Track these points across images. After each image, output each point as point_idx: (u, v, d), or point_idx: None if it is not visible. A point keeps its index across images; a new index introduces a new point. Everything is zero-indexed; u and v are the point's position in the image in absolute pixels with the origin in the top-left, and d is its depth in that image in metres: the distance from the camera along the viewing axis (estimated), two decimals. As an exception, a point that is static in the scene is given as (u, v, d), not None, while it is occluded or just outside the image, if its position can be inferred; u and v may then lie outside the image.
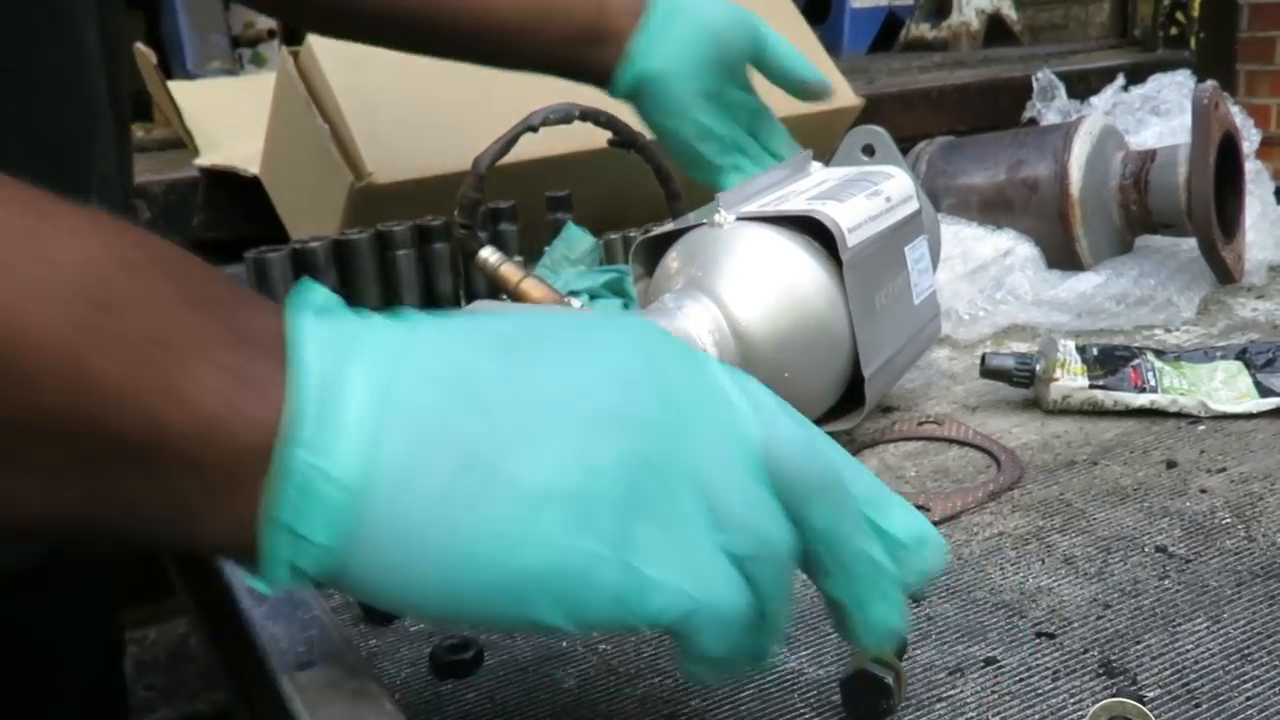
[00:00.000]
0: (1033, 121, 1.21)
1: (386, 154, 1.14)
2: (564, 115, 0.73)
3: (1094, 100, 1.21)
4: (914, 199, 0.78)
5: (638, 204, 1.34)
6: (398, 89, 1.19)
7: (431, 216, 1.00)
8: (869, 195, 0.72)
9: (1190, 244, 0.97)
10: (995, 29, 2.81)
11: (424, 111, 1.20)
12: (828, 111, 1.50)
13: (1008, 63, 2.46)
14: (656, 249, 0.73)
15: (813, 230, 0.68)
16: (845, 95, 1.52)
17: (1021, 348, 0.90)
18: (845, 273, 0.66)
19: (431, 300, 0.99)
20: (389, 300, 0.96)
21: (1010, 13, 2.80)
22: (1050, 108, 1.19)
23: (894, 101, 2.07)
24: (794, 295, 0.67)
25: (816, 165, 0.83)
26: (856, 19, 3.01)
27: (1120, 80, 1.23)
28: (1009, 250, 1.00)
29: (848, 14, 3.02)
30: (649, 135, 0.85)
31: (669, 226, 0.72)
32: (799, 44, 1.53)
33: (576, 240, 1.01)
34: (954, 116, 2.15)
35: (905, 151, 1.04)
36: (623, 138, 0.78)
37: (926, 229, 0.80)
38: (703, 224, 0.70)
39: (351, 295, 0.94)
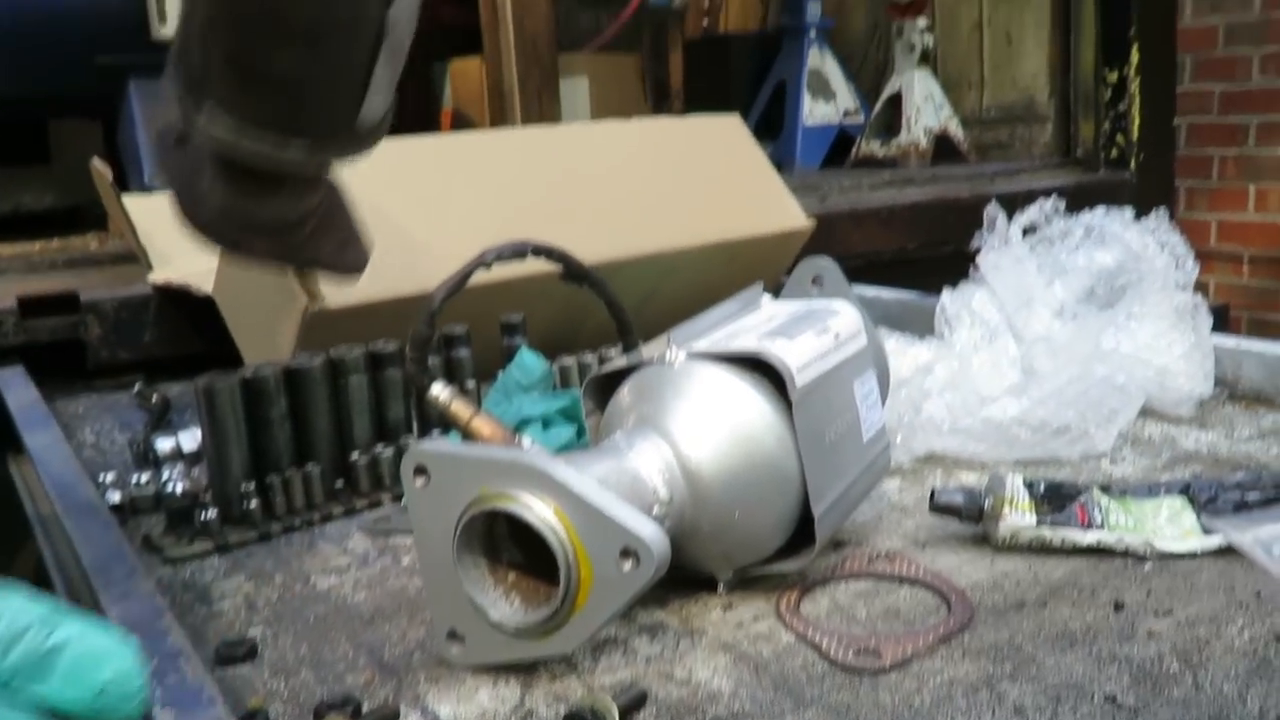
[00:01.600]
0: (979, 251, 1.23)
1: (340, 277, 1.14)
2: (517, 252, 0.74)
3: (1010, 231, 1.22)
4: (862, 334, 0.79)
5: (590, 326, 1.35)
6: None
7: (384, 342, 1.00)
8: (818, 333, 0.73)
9: (1120, 378, 0.98)
10: (943, 147, 2.89)
11: (377, 236, 1.20)
12: (780, 234, 1.53)
13: (955, 181, 2.53)
14: (609, 384, 0.73)
15: (763, 368, 0.69)
16: (797, 217, 1.55)
17: (970, 479, 0.90)
18: (795, 412, 0.67)
19: (383, 427, 0.98)
20: (340, 427, 0.96)
21: (957, 132, 2.88)
22: (995, 236, 1.22)
23: (845, 220, 2.11)
24: (744, 434, 0.67)
25: (767, 298, 0.84)
26: (809, 136, 3.09)
27: (1051, 202, 1.26)
28: (928, 367, 1.02)
29: (800, 131, 3.10)
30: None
31: (621, 363, 0.72)
32: (750, 167, 1.57)
33: (530, 366, 1.01)
34: (904, 234, 2.20)
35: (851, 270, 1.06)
36: (574, 273, 0.79)
37: (875, 363, 0.81)
38: (654, 361, 0.70)
39: (303, 422, 0.93)
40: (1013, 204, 2.36)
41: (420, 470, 0.62)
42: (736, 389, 0.68)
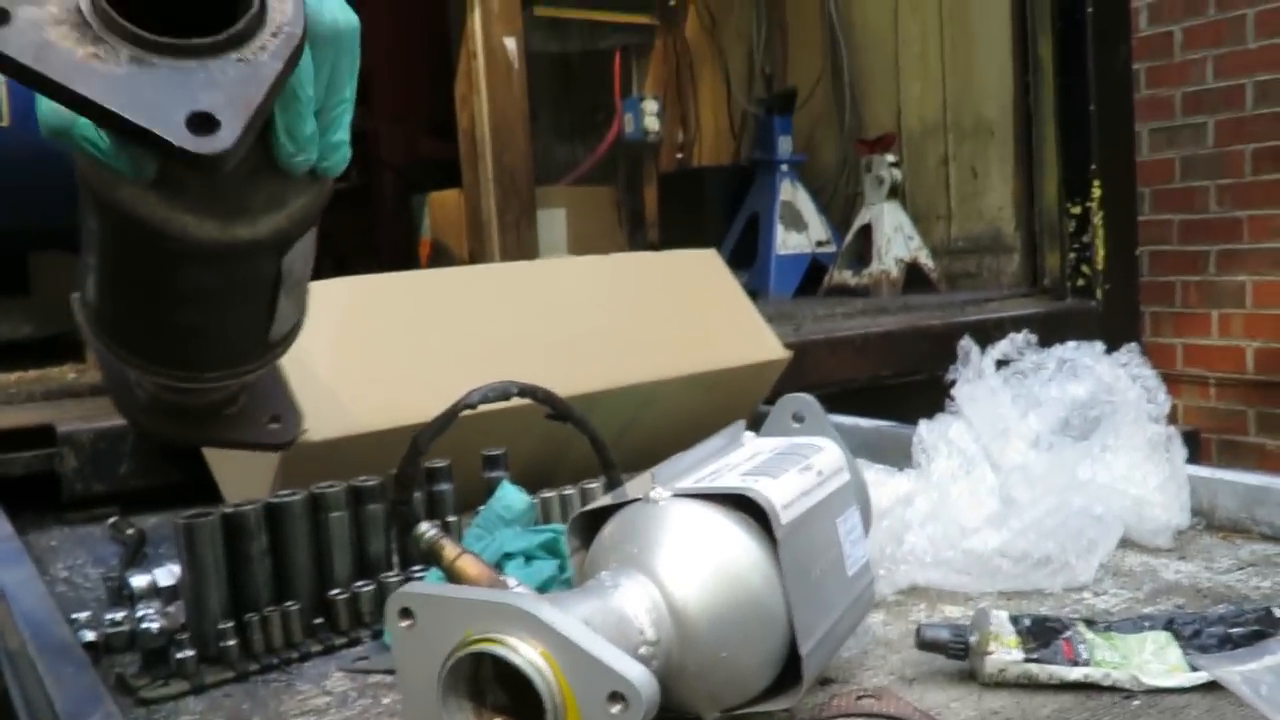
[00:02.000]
0: (953, 383, 1.25)
1: (320, 412, 1.15)
2: (502, 393, 0.75)
3: (984, 363, 1.24)
4: (845, 470, 0.80)
5: (572, 457, 1.36)
6: (331, 349, 1.21)
7: (366, 477, 0.99)
8: (801, 470, 0.74)
9: (1098, 508, 0.99)
10: (914, 276, 2.95)
11: (358, 370, 1.21)
12: (757, 364, 1.55)
13: (927, 310, 2.58)
14: (593, 521, 0.73)
15: (748, 505, 0.69)
16: (773, 349, 1.57)
17: (954, 613, 0.90)
18: (780, 550, 0.67)
19: (364, 562, 0.97)
20: (320, 563, 0.95)
21: (927, 261, 2.94)
22: (969, 369, 1.24)
23: (821, 348, 2.14)
24: (730, 573, 0.67)
25: (749, 435, 0.85)
26: (782, 265, 3.15)
27: (1023, 336, 1.28)
28: (909, 498, 1.02)
29: (773, 260, 3.16)
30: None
31: (605, 501, 0.73)
32: (727, 299, 1.60)
33: (512, 501, 1.01)
34: (878, 362, 2.23)
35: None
36: (559, 413, 0.80)
37: (857, 498, 0.82)
38: (638, 500, 0.71)
39: (283, 559, 0.93)
40: (984, 332, 2.41)
41: (406, 612, 0.61)
42: (721, 527, 0.68)
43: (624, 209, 4.17)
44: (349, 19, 0.59)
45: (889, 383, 2.24)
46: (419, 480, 1.02)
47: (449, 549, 0.68)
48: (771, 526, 0.68)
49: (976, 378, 1.20)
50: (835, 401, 2.11)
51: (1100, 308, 2.56)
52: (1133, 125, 2.66)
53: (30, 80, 0.47)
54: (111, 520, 1.37)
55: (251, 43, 0.50)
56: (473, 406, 0.74)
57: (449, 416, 0.73)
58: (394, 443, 1.20)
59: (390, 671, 0.85)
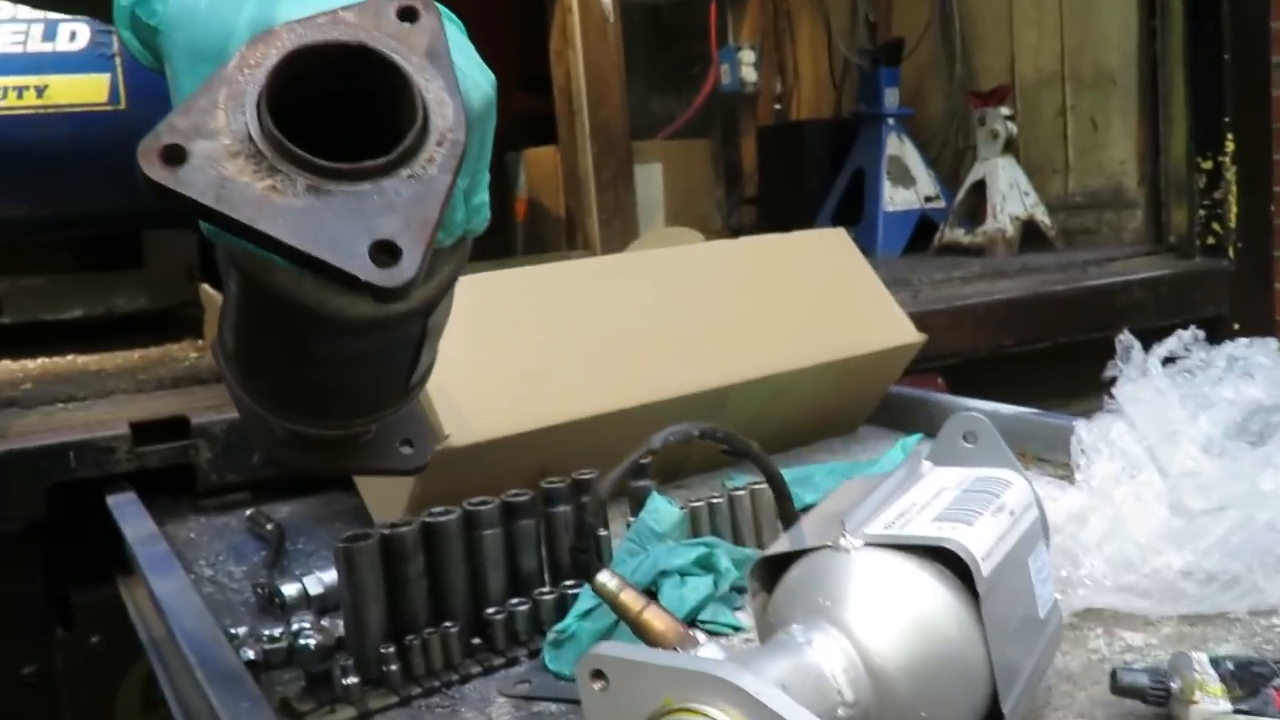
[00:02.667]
0: (1113, 381, 1.20)
1: (458, 416, 1.14)
2: (683, 437, 0.72)
3: (1149, 362, 1.18)
4: (1033, 506, 0.76)
5: (701, 446, 1.33)
6: (464, 351, 1.19)
7: (516, 491, 0.98)
8: (994, 512, 0.70)
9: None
10: (1030, 233, 2.86)
11: (491, 371, 1.20)
12: (890, 350, 1.50)
13: (1046, 271, 2.50)
14: (775, 566, 0.71)
15: (941, 552, 0.66)
16: (906, 332, 1.52)
17: (1134, 640, 0.86)
18: (982, 604, 0.64)
19: (516, 580, 0.96)
20: (475, 582, 0.94)
21: (1044, 219, 2.85)
22: (1131, 367, 1.18)
23: (941, 317, 2.09)
24: (928, 628, 0.64)
25: (927, 464, 0.81)
26: (890, 223, 3.07)
27: (1190, 332, 1.21)
28: (1082, 516, 0.98)
29: (881, 217, 3.08)
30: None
31: (789, 546, 0.70)
32: (856, 281, 1.55)
33: (663, 513, 0.99)
34: (1000, 331, 2.17)
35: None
36: (738, 450, 0.77)
37: (1043, 532, 0.78)
38: (826, 547, 0.68)
39: (439, 579, 0.92)
40: (1109, 296, 2.33)
41: (598, 674, 0.59)
42: (917, 579, 0.65)
43: (721, 163, 4.11)
44: (490, 85, 0.57)
45: (1011, 352, 2.18)
46: (566, 491, 1.00)
47: (633, 602, 0.66)
48: (972, 578, 0.64)
49: (1140, 376, 1.15)
50: (958, 374, 2.07)
51: (1232, 267, 2.45)
52: (1269, 75, 2.52)
53: (210, 218, 0.46)
54: (249, 513, 1.38)
55: (420, 155, 0.49)
56: (655, 451, 0.72)
57: (631, 465, 0.71)
58: (533, 444, 1.18)
59: (555, 699, 0.84)
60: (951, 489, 0.74)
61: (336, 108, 0.52)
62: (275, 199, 0.46)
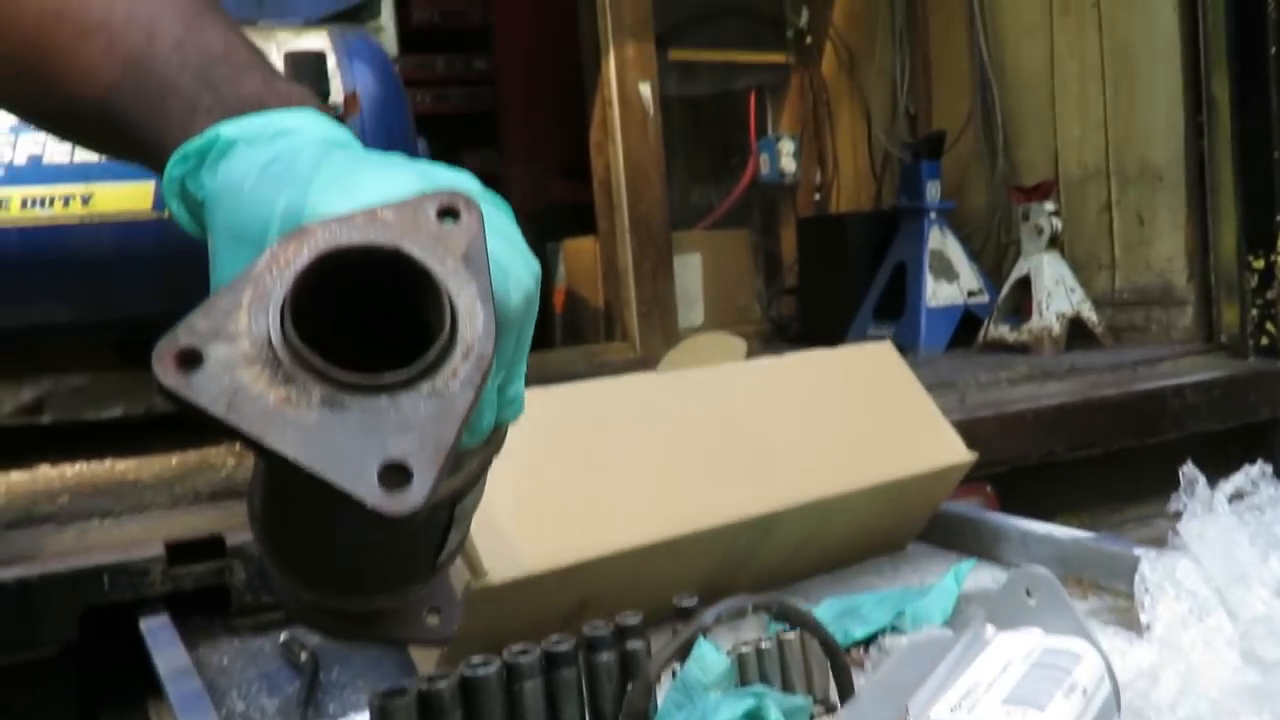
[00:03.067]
0: (1178, 515, 1.15)
1: (497, 550, 1.11)
2: (737, 611, 0.69)
3: (1214, 499, 1.13)
4: (1105, 679, 0.71)
5: (750, 570, 1.30)
6: (505, 480, 1.16)
7: (557, 638, 0.94)
8: (1066, 692, 0.66)
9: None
10: (1076, 329, 2.81)
11: (531, 500, 1.17)
12: (939, 470, 1.46)
13: (1096, 373, 2.45)
14: (833, 748, 0.67)
15: (1013, 740, 0.62)
16: (957, 450, 1.48)
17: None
18: (1058, 805, 0.60)
19: (557, 732, 0.92)
20: (513, 736, 0.90)
21: (1091, 315, 2.80)
22: (1196, 502, 1.13)
23: (990, 424, 2.04)
24: (1000, 829, 0.60)
25: (990, 629, 0.77)
26: (933, 318, 3.04)
27: (1257, 467, 1.16)
28: (1153, 674, 0.92)
29: (924, 312, 3.05)
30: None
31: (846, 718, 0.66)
32: (905, 397, 1.51)
33: (710, 661, 0.95)
34: (1051, 437, 2.12)
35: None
36: (795, 623, 0.73)
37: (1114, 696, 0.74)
38: (890, 732, 0.64)
39: (475, 734, 0.88)
40: (1162, 400, 2.28)
41: None
42: (989, 773, 0.61)
43: (760, 253, 4.11)
44: (533, 277, 0.54)
45: (1062, 458, 2.13)
46: (611, 637, 0.96)
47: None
48: (1047, 775, 0.60)
49: (1205, 512, 1.10)
50: (1007, 482, 2.02)
51: (1289, 373, 2.39)
52: (1322, 173, 2.49)
53: (217, 427, 0.44)
54: (283, 638, 1.35)
55: (444, 369, 0.46)
56: (707, 628, 0.68)
57: (684, 643, 0.68)
58: (575, 578, 1.15)
59: None
60: (1019, 662, 0.70)
61: (367, 301, 0.50)
62: (287, 411, 0.44)
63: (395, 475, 0.43)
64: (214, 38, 0.58)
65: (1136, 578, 1.10)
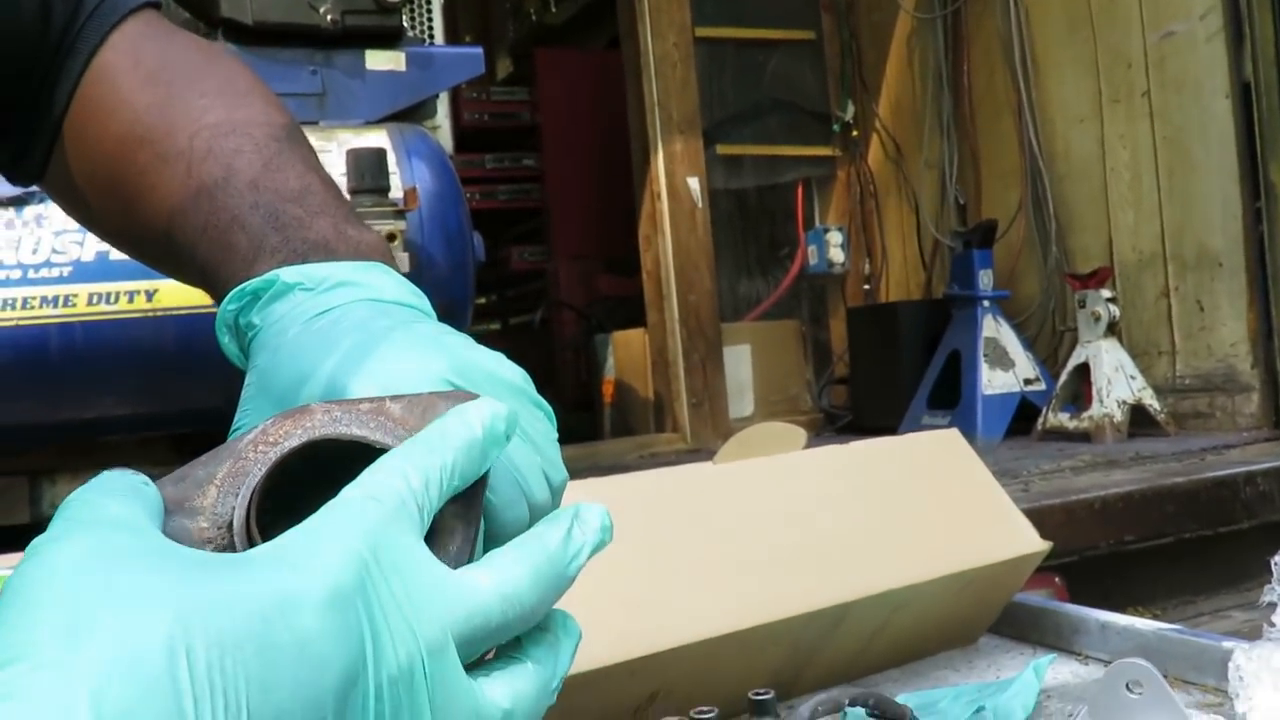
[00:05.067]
0: (1271, 606, 1.10)
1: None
2: (833, 707, 0.66)
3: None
4: (1220, 779, 0.67)
5: (819, 663, 1.26)
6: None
7: (629, 733, 0.91)
8: (1184, 792, 0.62)
9: None
10: (1137, 417, 2.76)
11: (601, 593, 1.14)
12: (1011, 560, 1.42)
13: (1161, 460, 2.39)
14: None
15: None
16: (1030, 540, 1.43)
17: None
18: None
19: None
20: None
21: (1153, 402, 2.75)
22: (1289, 591, 1.09)
23: (1056, 513, 1.99)
24: None
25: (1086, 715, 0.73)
26: (989, 406, 3.00)
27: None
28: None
29: (980, 400, 3.01)
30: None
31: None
32: (974, 486, 1.48)
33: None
34: (1119, 527, 2.06)
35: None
36: (890, 717, 0.70)
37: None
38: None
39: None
40: (1233, 487, 2.22)
41: None
42: None
43: (810, 343, 4.09)
44: (554, 488, 0.47)
45: (1131, 548, 2.07)
46: (684, 734, 0.93)
47: None
48: None
49: (1299, 602, 1.05)
50: (1076, 573, 1.96)
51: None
52: (1385, 255, 2.45)
53: None
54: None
55: None
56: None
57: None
58: (645, 670, 1.12)
59: None
60: (1130, 764, 0.66)
61: (345, 474, 0.48)
62: None
63: None
64: (291, 178, 0.57)
65: (1231, 667, 1.05)
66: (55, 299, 1.86)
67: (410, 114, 2.40)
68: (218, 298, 0.55)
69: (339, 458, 0.43)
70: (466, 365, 0.47)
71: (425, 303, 0.54)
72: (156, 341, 1.92)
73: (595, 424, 4.16)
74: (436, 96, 2.47)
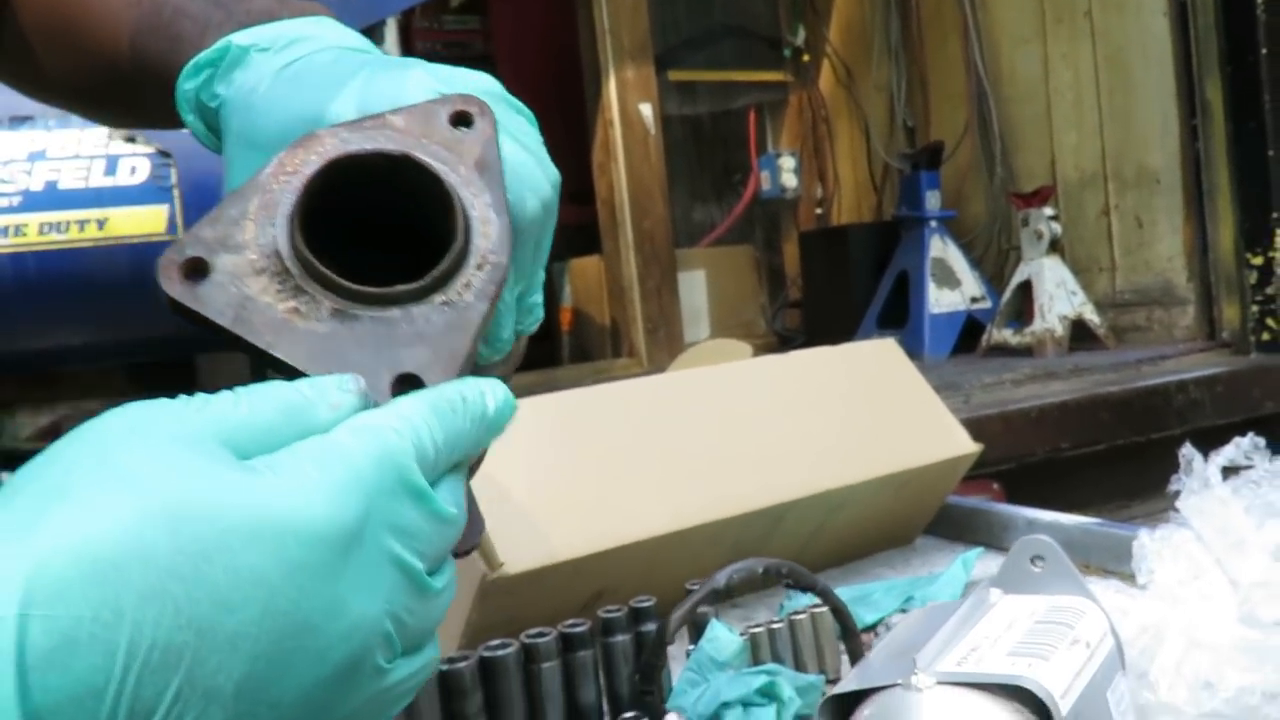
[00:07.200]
0: (1177, 494, 1.17)
1: (516, 542, 1.13)
2: (748, 573, 0.71)
3: (1209, 472, 1.15)
4: (1109, 635, 0.73)
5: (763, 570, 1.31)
6: (523, 474, 1.19)
7: (573, 621, 0.97)
8: (1070, 645, 0.68)
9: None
10: (1079, 332, 2.84)
11: (549, 495, 1.19)
12: (944, 461, 1.48)
13: (1099, 371, 2.47)
14: (844, 703, 0.69)
15: (1016, 689, 0.64)
16: (963, 442, 1.50)
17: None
18: (1061, 746, 0.62)
19: (575, 712, 0.94)
20: (534, 714, 0.92)
21: (1093, 317, 2.83)
22: (1194, 479, 1.15)
23: (994, 422, 2.06)
24: (1007, 771, 0.62)
25: (996, 592, 0.79)
26: (936, 324, 3.07)
27: (1249, 440, 1.18)
28: (1158, 633, 0.94)
29: (927, 319, 3.08)
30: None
31: (858, 684, 0.68)
32: (910, 392, 1.54)
33: (723, 641, 0.97)
34: (1055, 434, 2.14)
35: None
36: (804, 586, 0.76)
37: (1120, 660, 0.76)
38: (898, 685, 0.66)
39: (498, 712, 0.90)
40: (1165, 395, 2.30)
41: None
42: (992, 718, 0.63)
43: (764, 268, 4.14)
44: (552, 185, 0.51)
45: (1068, 455, 2.15)
46: (625, 621, 0.99)
47: (700, 746, 0.64)
48: (1051, 717, 0.62)
49: (1202, 488, 1.12)
50: (1013, 479, 2.04)
51: (1290, 364, 2.42)
52: (1316, 170, 2.52)
53: (226, 339, 0.42)
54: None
55: (456, 280, 0.45)
56: (719, 588, 0.71)
57: (697, 602, 0.70)
58: (590, 568, 1.17)
59: (619, 843, 0.81)
60: (1023, 620, 0.72)
61: (378, 211, 0.49)
62: (297, 322, 0.42)
63: (407, 388, 0.42)
64: None
65: (1135, 546, 1.12)
66: (5, 229, 1.87)
67: (357, 41, 2.40)
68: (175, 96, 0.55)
69: (360, 177, 0.45)
70: (448, 76, 0.50)
71: (378, 51, 0.55)
72: (109, 270, 1.93)
73: (553, 351, 4.20)
74: (384, 23, 2.47)
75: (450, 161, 0.46)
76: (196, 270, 0.42)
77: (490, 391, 0.44)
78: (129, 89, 0.62)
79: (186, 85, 0.54)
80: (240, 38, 0.53)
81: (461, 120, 0.47)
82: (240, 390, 0.38)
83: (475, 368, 0.53)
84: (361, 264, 0.45)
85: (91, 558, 0.30)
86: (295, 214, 0.43)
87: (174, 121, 0.58)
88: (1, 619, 0.29)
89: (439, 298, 0.44)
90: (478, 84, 0.50)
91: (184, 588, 0.31)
